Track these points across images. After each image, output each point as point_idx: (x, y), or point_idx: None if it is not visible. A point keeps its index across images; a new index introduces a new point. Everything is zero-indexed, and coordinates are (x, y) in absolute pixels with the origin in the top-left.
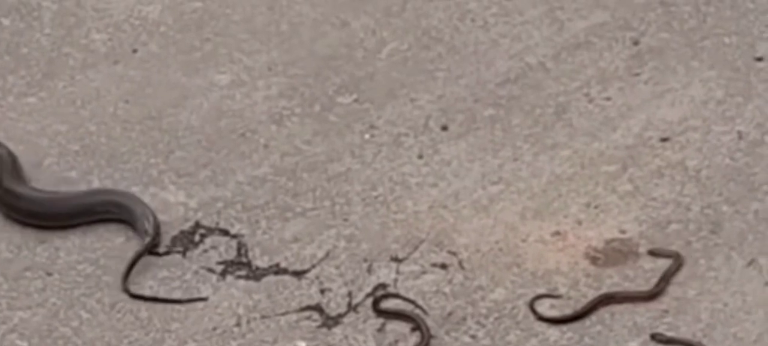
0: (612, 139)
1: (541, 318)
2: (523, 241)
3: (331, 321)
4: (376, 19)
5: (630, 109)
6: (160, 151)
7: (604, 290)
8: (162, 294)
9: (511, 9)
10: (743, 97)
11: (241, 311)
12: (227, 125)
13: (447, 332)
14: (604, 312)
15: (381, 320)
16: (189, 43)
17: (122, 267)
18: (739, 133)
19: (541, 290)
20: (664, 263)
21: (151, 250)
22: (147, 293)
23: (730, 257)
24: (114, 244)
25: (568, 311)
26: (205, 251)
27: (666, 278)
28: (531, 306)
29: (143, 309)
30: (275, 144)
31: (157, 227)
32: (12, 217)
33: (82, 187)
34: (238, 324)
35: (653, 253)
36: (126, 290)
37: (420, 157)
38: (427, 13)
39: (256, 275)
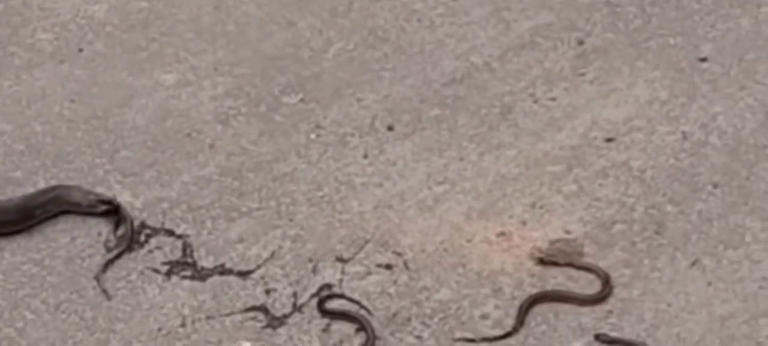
0: (557, 140)
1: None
2: (469, 241)
3: (276, 321)
4: (322, 19)
5: (575, 110)
6: (105, 151)
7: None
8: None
9: (457, 9)
10: (687, 97)
11: (186, 311)
12: (173, 125)
13: (392, 333)
14: (548, 312)
15: (326, 321)
16: (135, 43)
17: (66, 268)
18: (684, 133)
19: (486, 291)
20: (611, 265)
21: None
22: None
23: (675, 257)
24: (58, 244)
25: (511, 311)
26: (151, 251)
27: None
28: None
29: (88, 309)
30: (221, 144)
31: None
32: None
33: (28, 187)
34: (183, 325)
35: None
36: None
37: (365, 157)
38: (373, 13)
39: (202, 275)
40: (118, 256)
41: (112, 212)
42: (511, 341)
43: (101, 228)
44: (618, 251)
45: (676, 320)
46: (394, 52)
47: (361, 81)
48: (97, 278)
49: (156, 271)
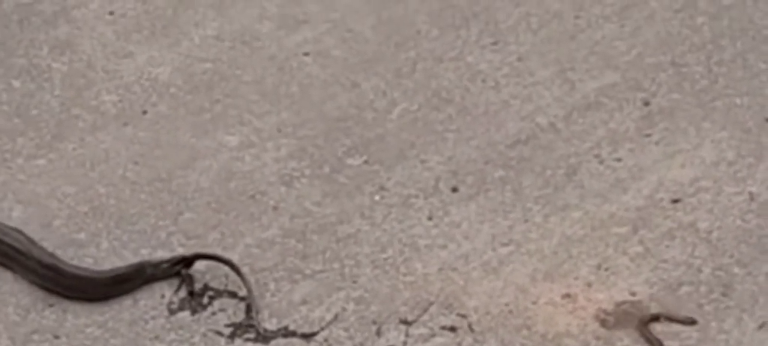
0: (623, 201)
1: None
2: (534, 303)
3: None
4: (386, 80)
5: (641, 171)
6: (169, 213)
7: None
8: None
9: (522, 70)
10: (755, 157)
11: None
12: (236, 187)
13: None
14: None
15: None
16: (198, 105)
17: (129, 330)
18: (751, 194)
19: None
20: (678, 328)
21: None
22: None
23: (742, 319)
24: (122, 306)
25: None
26: (214, 313)
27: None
28: None
29: None
30: (284, 206)
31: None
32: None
33: (91, 249)
34: None
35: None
36: None
37: (430, 218)
38: (437, 74)
39: (265, 337)
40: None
41: (187, 265)
42: None
43: (164, 290)
44: (684, 313)
45: None
46: (459, 113)
47: (425, 142)
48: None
49: (219, 333)
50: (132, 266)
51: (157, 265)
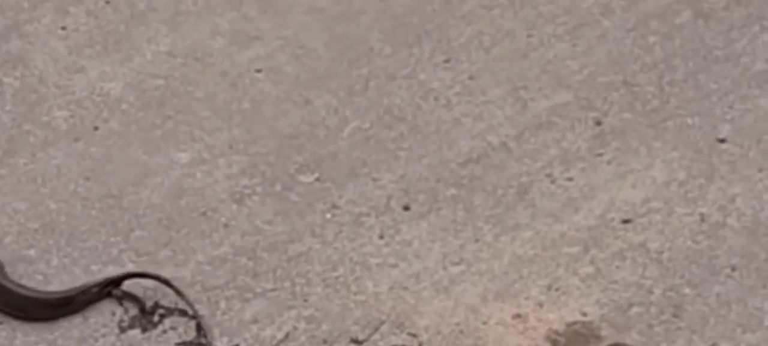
0: (574, 221)
1: None
2: (484, 323)
3: None
4: (338, 97)
5: (592, 190)
6: (120, 230)
7: None
8: None
9: (473, 88)
10: (705, 178)
11: None
12: (188, 204)
13: None
14: None
15: None
16: (150, 121)
17: None
18: (702, 215)
19: None
20: None
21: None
22: None
23: (692, 340)
24: (71, 324)
25: None
26: (165, 331)
27: None
28: None
29: None
30: (236, 223)
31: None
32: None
33: (41, 266)
34: None
35: None
36: None
37: (381, 237)
38: (389, 92)
39: None
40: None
41: (117, 285)
42: None
43: (114, 308)
44: (635, 333)
45: None
46: (411, 132)
47: (377, 160)
48: None
49: None
50: (62, 296)
51: (86, 291)
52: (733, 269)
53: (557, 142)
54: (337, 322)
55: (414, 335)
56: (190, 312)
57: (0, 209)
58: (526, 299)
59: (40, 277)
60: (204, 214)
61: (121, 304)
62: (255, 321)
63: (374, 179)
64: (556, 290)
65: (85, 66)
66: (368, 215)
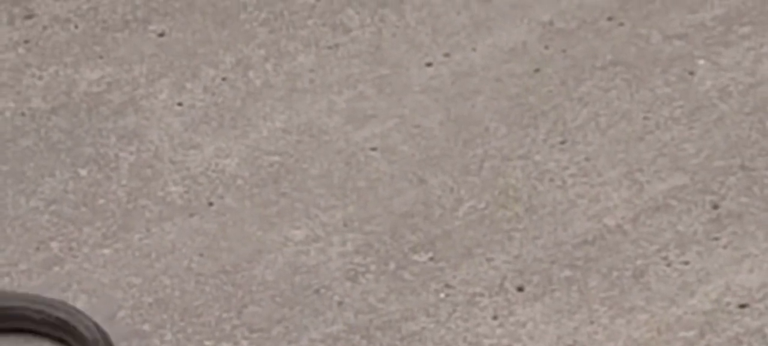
0: (689, 305)
1: None
2: None
3: None
4: (453, 176)
5: (708, 275)
6: (233, 306)
7: None
8: None
9: (589, 169)
10: None
11: None
12: (301, 281)
13: None
14: None
15: None
16: (265, 197)
17: None
18: None
19: None
20: None
21: None
22: None
23: None
24: None
25: None
26: None
27: None
28: None
29: None
30: (349, 301)
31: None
32: None
33: (155, 341)
34: None
35: None
36: None
37: (495, 318)
38: (504, 172)
39: None
40: None
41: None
42: None
43: None
44: None
45: None
46: (526, 212)
47: (491, 240)
48: None
49: None
50: None
51: None
52: None
53: (673, 225)
54: None
55: None
56: None
57: (114, 283)
58: None
59: None
60: (317, 291)
61: None
62: None
63: (488, 259)
64: None
65: (201, 142)
66: (482, 295)
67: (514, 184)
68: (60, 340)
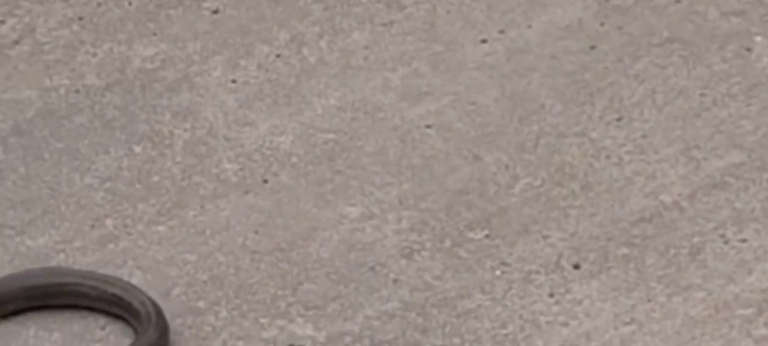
0: (747, 282)
1: None
2: None
3: None
4: (509, 153)
5: (766, 252)
6: (288, 283)
7: None
8: None
9: (645, 146)
10: None
11: None
12: (356, 259)
13: None
14: None
15: None
16: (320, 175)
17: None
18: None
19: None
20: None
21: None
22: None
23: None
24: None
25: None
26: None
27: None
28: None
29: None
30: (405, 278)
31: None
32: None
33: (210, 318)
34: None
35: None
36: None
37: (551, 295)
38: (560, 150)
39: None
40: None
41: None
42: None
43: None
44: None
45: None
46: (582, 190)
47: (547, 218)
48: None
49: None
50: None
51: None
52: None
53: (730, 202)
54: None
55: None
56: None
57: (169, 260)
58: None
59: (208, 328)
60: (372, 269)
61: None
62: None
63: (544, 237)
64: None
65: (255, 119)
66: (538, 272)
67: (570, 161)
68: (115, 316)
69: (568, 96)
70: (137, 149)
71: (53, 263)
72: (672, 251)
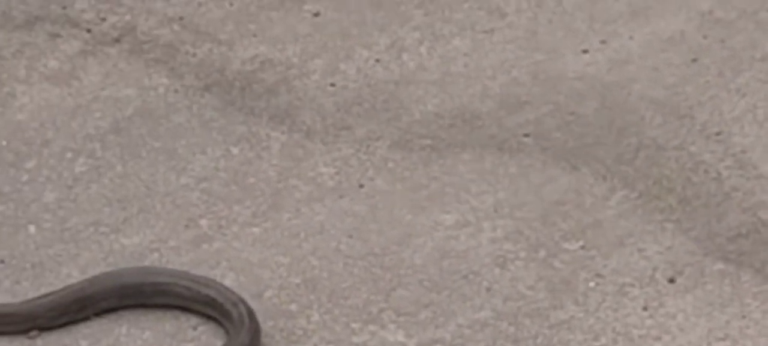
0: None
1: None
2: None
3: None
4: (606, 165)
5: None
6: (381, 289)
7: None
8: None
9: (745, 162)
10: None
11: None
12: (450, 266)
13: None
14: None
15: None
16: (416, 181)
17: None
18: None
19: None
20: None
21: None
22: None
23: None
24: None
25: None
26: None
27: None
28: None
29: None
30: (498, 288)
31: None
32: None
33: (301, 321)
34: None
35: None
36: None
37: (645, 309)
38: (658, 163)
39: None
40: None
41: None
42: None
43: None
44: None
45: None
46: (679, 203)
47: (643, 231)
48: None
49: None
50: None
51: None
52: None
53: None
54: None
55: None
56: None
57: (262, 262)
58: None
59: (300, 332)
60: (466, 277)
61: None
62: None
63: (640, 250)
64: None
65: (352, 123)
66: (632, 285)
67: (668, 174)
68: (207, 317)
69: (668, 109)
70: (234, 150)
71: (147, 263)
72: None
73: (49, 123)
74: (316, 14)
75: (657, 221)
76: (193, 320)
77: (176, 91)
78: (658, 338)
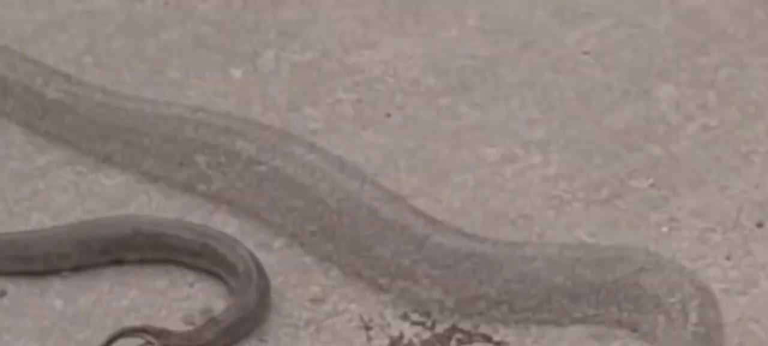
0: None
1: None
2: None
3: None
4: (681, 88)
5: None
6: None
7: None
8: None
9: None
10: None
11: None
12: (495, 209)
13: None
14: None
15: None
16: (454, 109)
17: None
18: None
19: None
20: None
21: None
22: None
23: None
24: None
25: None
26: None
27: None
28: None
29: None
30: (552, 234)
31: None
32: None
33: (319, 277)
34: None
35: None
36: None
37: (728, 258)
38: (744, 85)
39: None
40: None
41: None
42: None
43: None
44: None
45: None
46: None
47: (726, 166)
48: None
49: None
50: None
51: None
52: None
53: None
54: None
55: None
56: None
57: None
58: None
59: (316, 289)
60: (514, 222)
61: None
62: None
63: (722, 188)
64: None
65: (377, 41)
66: (713, 230)
67: (755, 98)
68: (206, 272)
69: (754, 19)
70: (236, 74)
71: (132, 208)
72: None
73: (15, 43)
74: None
75: (742, 153)
76: (190, 276)
77: (166, 3)
78: (743, 292)
